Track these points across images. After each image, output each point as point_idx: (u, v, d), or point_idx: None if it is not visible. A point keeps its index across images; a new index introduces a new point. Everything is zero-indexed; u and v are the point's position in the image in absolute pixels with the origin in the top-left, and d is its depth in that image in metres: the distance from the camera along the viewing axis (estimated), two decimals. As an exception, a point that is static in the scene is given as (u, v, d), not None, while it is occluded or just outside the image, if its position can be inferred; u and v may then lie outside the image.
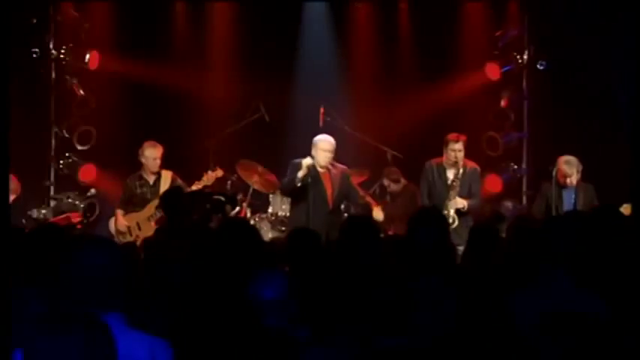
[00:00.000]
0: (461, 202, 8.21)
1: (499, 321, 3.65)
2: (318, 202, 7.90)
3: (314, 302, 3.77)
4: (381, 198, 9.86)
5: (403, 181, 9.80)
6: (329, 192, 8.02)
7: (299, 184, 7.87)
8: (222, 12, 10.99)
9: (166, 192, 7.53)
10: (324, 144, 7.96)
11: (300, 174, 7.87)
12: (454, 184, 8.27)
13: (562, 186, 8.30)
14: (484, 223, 6.86)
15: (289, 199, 8.57)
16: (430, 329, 3.67)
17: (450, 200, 8.22)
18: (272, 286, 3.69)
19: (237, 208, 9.38)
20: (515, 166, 10.92)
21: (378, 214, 8.27)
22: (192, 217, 6.82)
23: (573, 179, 8.30)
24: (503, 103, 10.87)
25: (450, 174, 8.35)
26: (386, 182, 9.79)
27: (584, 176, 8.42)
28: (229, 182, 9.50)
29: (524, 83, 11.00)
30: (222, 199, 6.97)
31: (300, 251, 4.86)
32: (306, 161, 7.84)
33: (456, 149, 8.25)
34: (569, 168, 8.28)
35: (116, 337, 2.65)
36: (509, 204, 10.51)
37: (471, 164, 8.46)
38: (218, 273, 3.66)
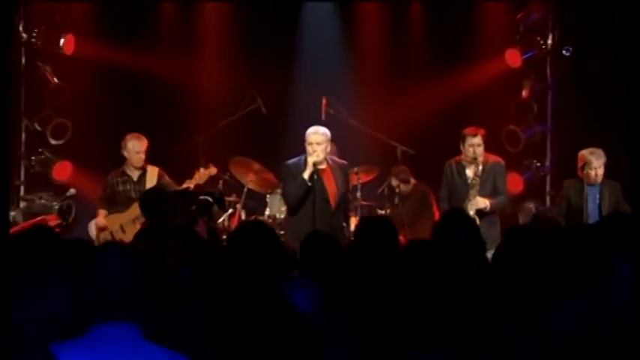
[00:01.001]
0: (482, 202, 8.14)
1: (547, 331, 3.78)
2: (319, 202, 7.82)
3: (347, 315, 3.80)
4: (389, 200, 9.84)
5: (413, 180, 9.80)
6: (331, 191, 7.93)
7: (310, 185, 7.79)
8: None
9: (146, 192, 7.48)
10: (315, 137, 7.87)
11: (307, 174, 7.80)
12: (473, 182, 8.22)
13: (587, 183, 8.26)
14: (523, 226, 6.93)
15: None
16: (469, 342, 3.68)
17: (470, 200, 8.14)
18: (300, 297, 3.70)
19: (230, 210, 9.36)
20: (538, 164, 10.86)
21: (354, 222, 8.30)
22: (175, 219, 6.70)
23: (600, 172, 8.25)
24: (524, 93, 10.78)
25: (470, 172, 8.30)
26: (394, 182, 9.67)
27: (613, 173, 8.35)
28: (221, 181, 9.43)
29: (549, 71, 10.90)
30: (209, 199, 6.78)
31: (318, 258, 4.81)
32: (313, 158, 7.78)
33: (474, 144, 8.21)
34: (597, 159, 8.23)
35: (133, 349, 2.84)
36: (531, 205, 10.36)
37: (494, 158, 8.44)
38: (239, 282, 3.67)
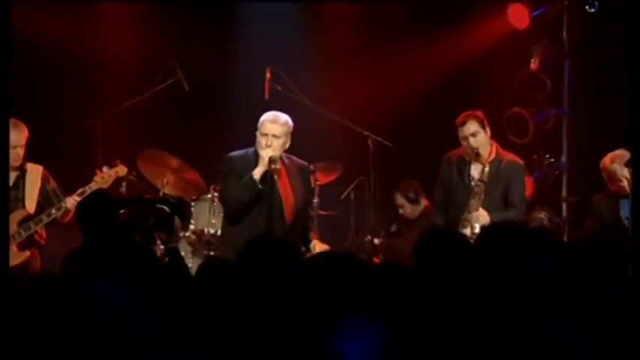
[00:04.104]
0: (483, 218, 7.85)
1: None
2: (272, 215, 7.63)
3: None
4: (386, 224, 9.91)
5: (424, 201, 9.78)
6: (287, 200, 7.69)
7: (261, 187, 7.51)
8: None
9: (87, 199, 7.14)
10: (273, 127, 7.62)
11: (258, 173, 7.47)
12: (477, 189, 7.90)
13: (623, 196, 8.10)
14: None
15: (220, 210, 8.54)
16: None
17: (471, 213, 7.82)
18: (357, 339, 3.88)
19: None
20: (552, 159, 10.44)
21: (318, 246, 8.09)
22: (134, 237, 6.38)
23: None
24: (533, 64, 10.32)
25: (476, 171, 7.99)
26: (399, 201, 9.76)
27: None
28: (125, 183, 9.07)
29: (565, 34, 10.44)
30: (166, 209, 6.40)
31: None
32: (268, 153, 7.50)
33: (467, 134, 7.87)
34: (621, 164, 8.05)
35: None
36: (542, 215, 10.12)
37: (509, 156, 8.14)
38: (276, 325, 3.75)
